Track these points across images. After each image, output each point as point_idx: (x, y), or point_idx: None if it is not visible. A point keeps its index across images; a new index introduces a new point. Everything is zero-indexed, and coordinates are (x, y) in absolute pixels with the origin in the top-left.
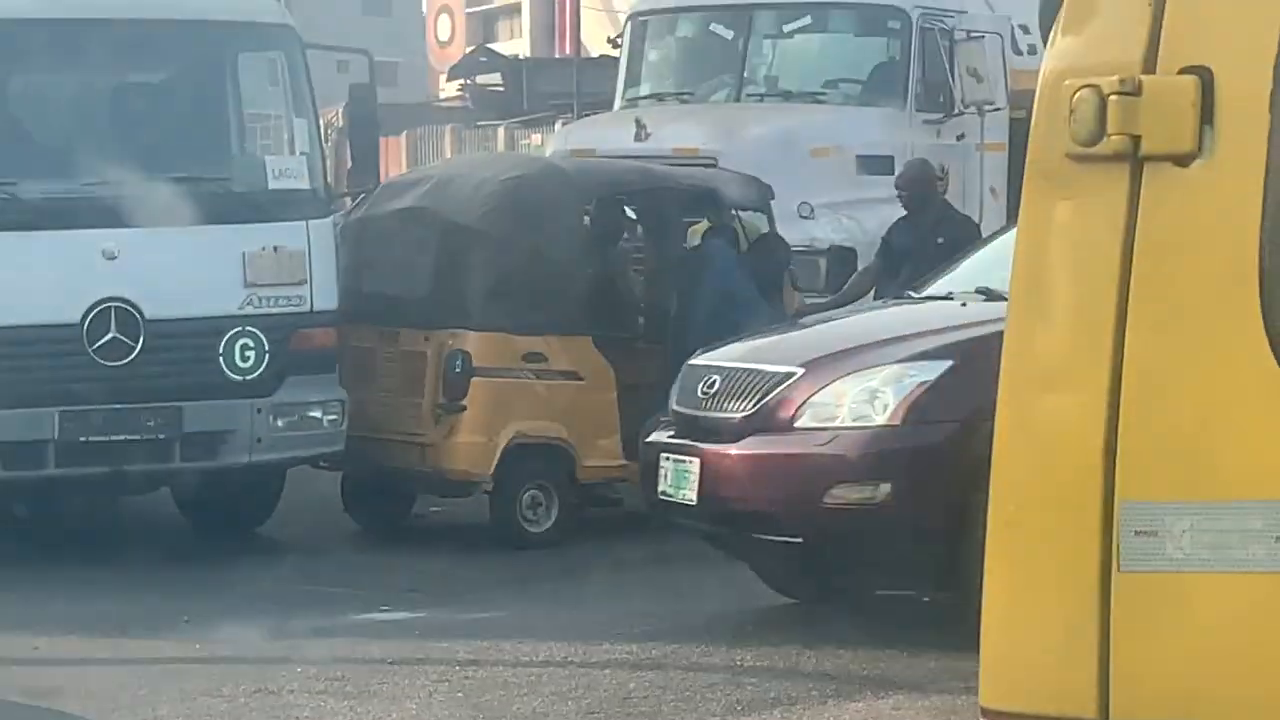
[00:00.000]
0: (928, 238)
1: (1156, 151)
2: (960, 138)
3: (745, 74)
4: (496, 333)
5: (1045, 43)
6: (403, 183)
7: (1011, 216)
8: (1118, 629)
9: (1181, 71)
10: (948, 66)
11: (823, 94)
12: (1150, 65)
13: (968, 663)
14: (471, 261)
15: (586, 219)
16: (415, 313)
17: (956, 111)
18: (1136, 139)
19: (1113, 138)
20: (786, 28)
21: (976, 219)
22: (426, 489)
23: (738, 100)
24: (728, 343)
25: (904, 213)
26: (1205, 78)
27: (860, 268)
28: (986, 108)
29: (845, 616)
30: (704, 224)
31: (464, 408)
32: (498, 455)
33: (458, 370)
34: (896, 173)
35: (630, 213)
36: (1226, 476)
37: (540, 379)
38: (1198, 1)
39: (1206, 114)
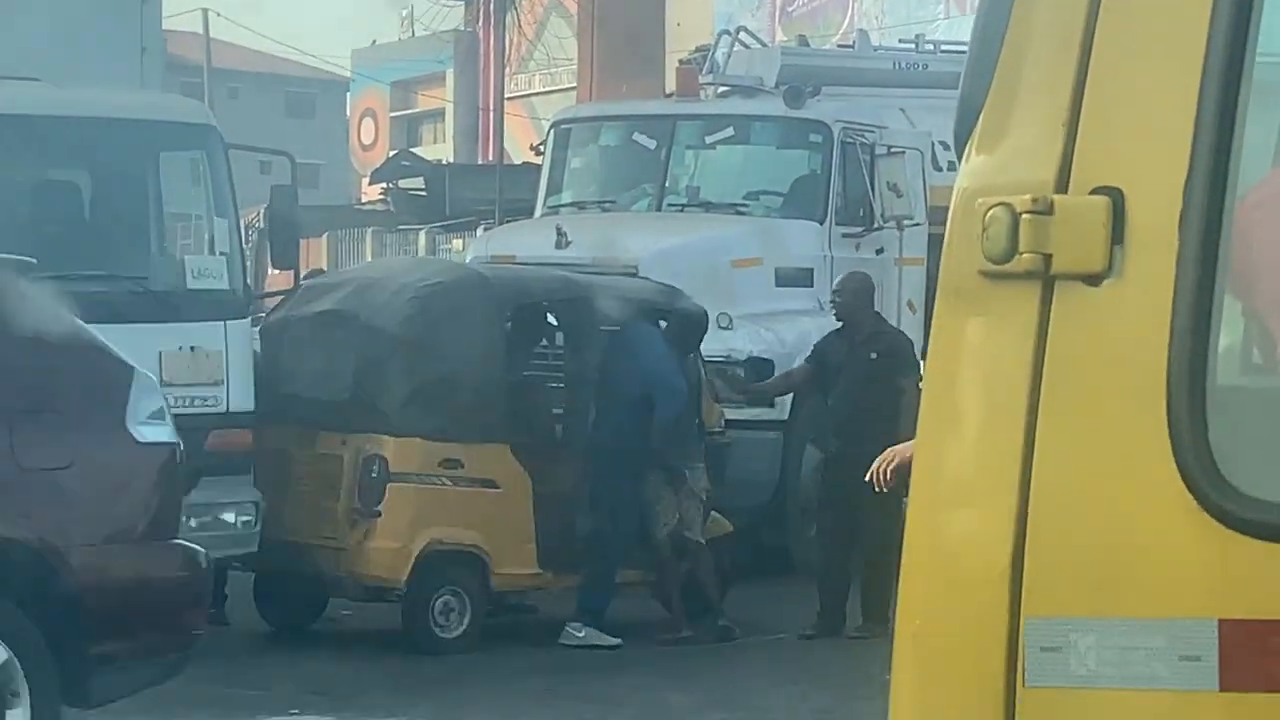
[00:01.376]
0: (860, 352)
1: (1067, 270)
2: (879, 252)
3: (667, 184)
4: (414, 438)
5: (960, 160)
6: (323, 285)
7: (929, 331)
8: None
9: (1093, 192)
10: (868, 181)
11: (744, 205)
12: (1063, 185)
13: None
14: (390, 367)
15: (508, 325)
16: (333, 416)
17: (876, 226)
18: (1048, 257)
19: (1024, 256)
20: (709, 139)
21: None
22: (340, 593)
23: (659, 210)
24: None
25: (835, 325)
26: (1116, 198)
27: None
28: (906, 223)
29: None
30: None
31: (379, 513)
32: (412, 561)
33: (374, 475)
34: (814, 285)
35: (552, 320)
36: (1131, 594)
37: (457, 486)
38: (1110, 123)
39: (1117, 234)
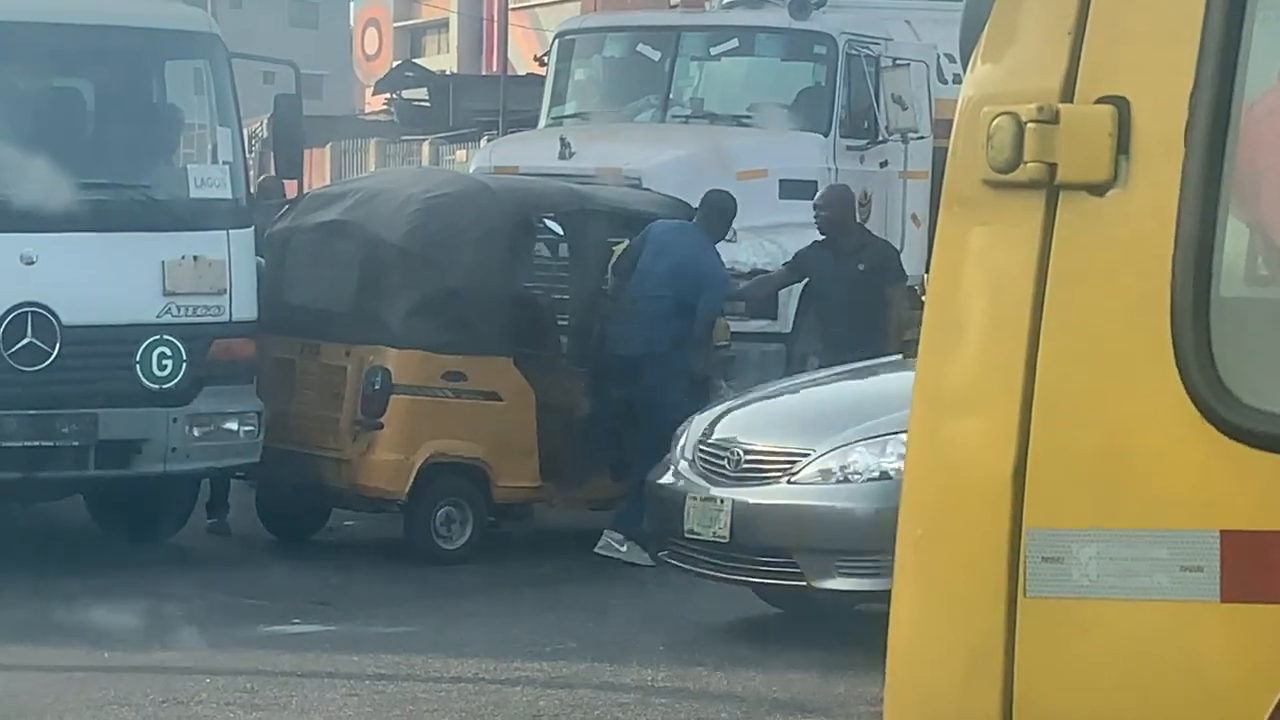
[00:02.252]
0: (848, 263)
1: (1072, 180)
2: (884, 165)
3: (671, 95)
4: (417, 350)
5: (965, 70)
6: (328, 195)
7: (932, 244)
8: (1023, 654)
9: (1099, 101)
10: (873, 93)
11: (748, 117)
12: (1068, 94)
13: (878, 687)
14: (394, 278)
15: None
16: (337, 327)
17: (880, 139)
18: (1053, 167)
19: (1029, 165)
20: (713, 50)
21: (898, 246)
22: (341, 504)
23: (663, 121)
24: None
25: (819, 237)
26: (1122, 108)
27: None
28: (910, 135)
29: (756, 638)
30: (626, 242)
31: (381, 425)
32: (414, 473)
33: (377, 387)
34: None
35: (557, 230)
36: (1133, 505)
37: (459, 398)
38: (1116, 32)
39: (1122, 144)
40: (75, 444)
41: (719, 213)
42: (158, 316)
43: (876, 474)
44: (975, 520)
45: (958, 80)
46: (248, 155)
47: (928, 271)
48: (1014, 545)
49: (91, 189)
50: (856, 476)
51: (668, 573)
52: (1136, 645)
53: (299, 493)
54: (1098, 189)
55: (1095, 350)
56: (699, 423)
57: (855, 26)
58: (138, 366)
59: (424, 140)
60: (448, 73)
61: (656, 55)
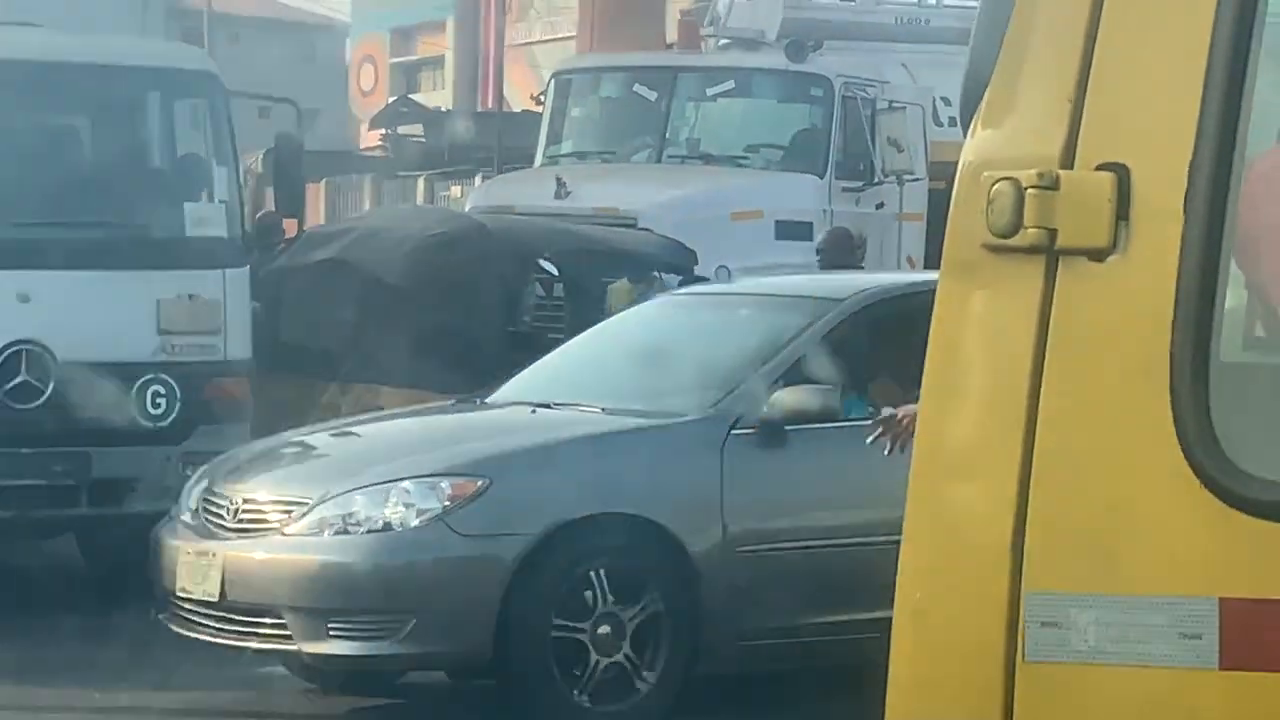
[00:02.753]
0: None
1: (1072, 246)
2: (879, 206)
3: (667, 135)
4: (414, 390)
5: (965, 134)
6: (325, 233)
7: None
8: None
9: (1099, 168)
10: (869, 135)
11: (744, 158)
12: (1068, 160)
13: None
14: (393, 317)
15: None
16: (333, 366)
17: (876, 180)
18: (1053, 232)
19: (1029, 230)
20: (710, 91)
21: None
22: None
23: (659, 161)
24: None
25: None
26: (1122, 175)
27: None
28: (906, 178)
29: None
30: (622, 282)
31: None
32: None
33: None
34: (814, 239)
35: (553, 270)
36: (1132, 571)
37: None
38: (1116, 99)
39: (1122, 210)
40: (68, 483)
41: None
42: (152, 355)
43: (379, 525)
44: (974, 584)
45: (953, 123)
46: (244, 193)
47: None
48: (1013, 610)
49: (88, 227)
50: (356, 528)
51: None
52: (1135, 712)
53: None
54: (1098, 255)
55: (1094, 415)
56: (214, 467)
57: (851, 69)
58: (132, 405)
59: (419, 176)
60: (443, 109)
61: (653, 96)
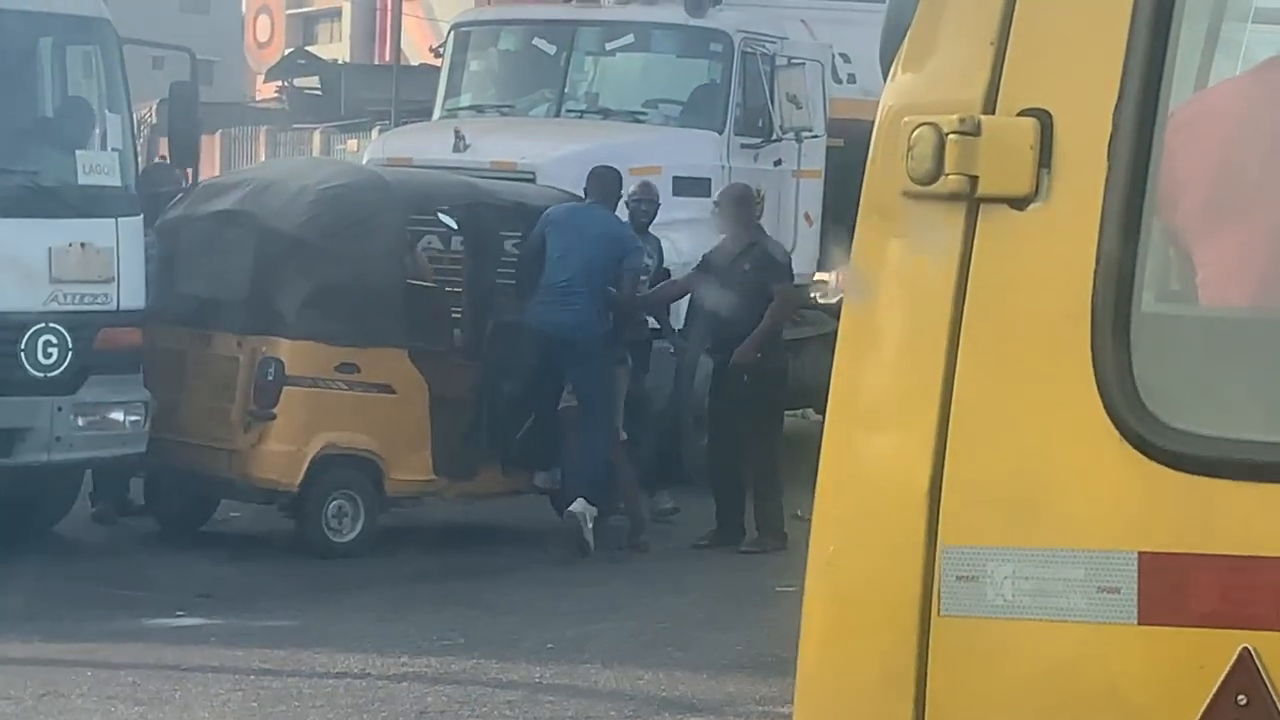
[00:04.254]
0: (736, 263)
1: (993, 193)
2: (777, 163)
3: (566, 90)
4: (310, 341)
5: (885, 78)
6: (221, 184)
7: (824, 244)
8: (935, 674)
9: (1021, 113)
10: (768, 92)
11: (643, 114)
12: (990, 106)
13: (768, 688)
14: (288, 269)
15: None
16: (230, 317)
17: (775, 137)
18: (974, 179)
19: (950, 177)
20: (609, 45)
21: (790, 245)
22: (232, 495)
23: (558, 115)
24: None
25: (713, 234)
26: (1045, 121)
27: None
28: (805, 134)
29: (645, 638)
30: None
31: (274, 416)
32: (306, 465)
33: (269, 378)
34: (711, 195)
35: (451, 224)
36: (1050, 524)
37: (352, 390)
38: (1039, 44)
39: (1045, 157)
40: None
41: (609, 185)
42: (44, 304)
43: None
44: (889, 536)
45: (852, 80)
46: (137, 142)
47: (819, 270)
48: (928, 563)
49: None
50: None
51: (560, 570)
52: (1052, 667)
53: (188, 484)
54: (1019, 203)
55: (1014, 366)
56: None
57: (751, 25)
58: (23, 354)
59: (315, 129)
60: (340, 62)
61: (552, 50)
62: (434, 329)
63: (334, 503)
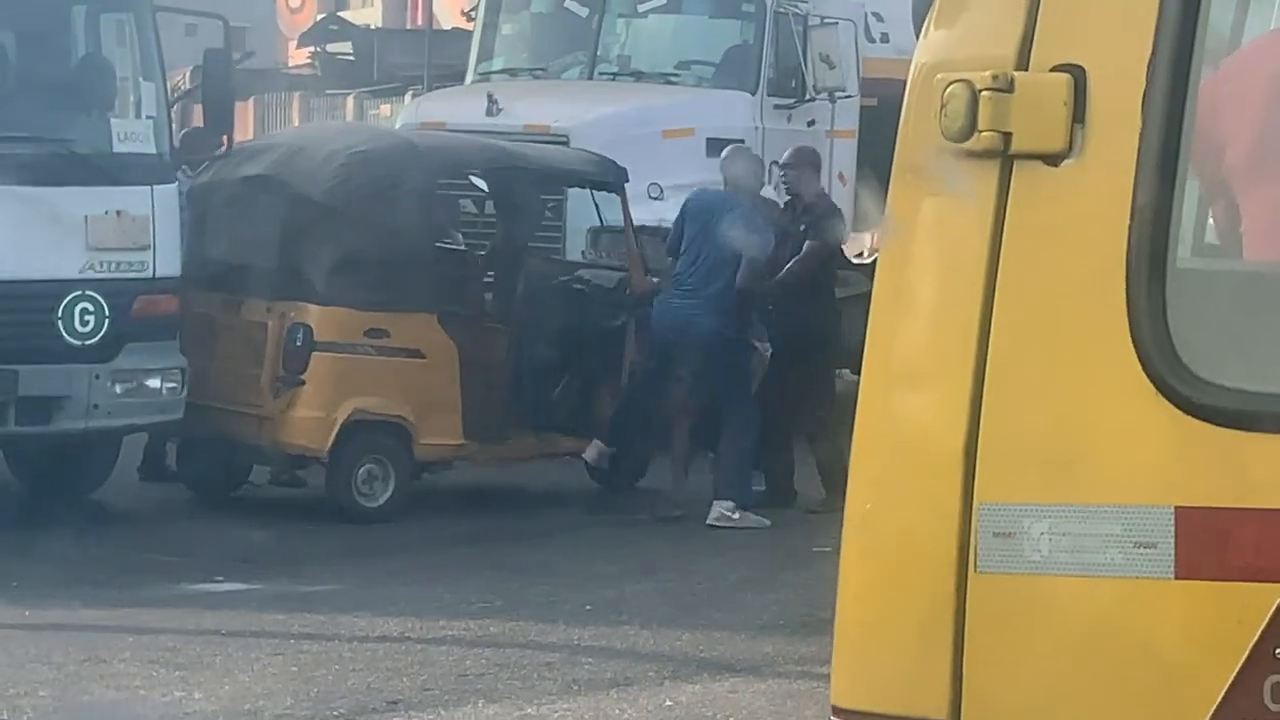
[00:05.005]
0: (795, 224)
1: (1027, 149)
2: (811, 124)
3: (598, 52)
4: (339, 307)
5: (917, 35)
6: (252, 149)
7: (859, 203)
8: (972, 630)
9: (1054, 69)
10: (801, 52)
11: (675, 75)
12: (1023, 62)
13: (806, 647)
14: (317, 234)
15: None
16: (259, 283)
17: (808, 97)
18: (1008, 136)
19: (984, 134)
20: (641, 7)
21: None
22: (262, 460)
23: (590, 78)
24: None
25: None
26: (1078, 76)
27: None
28: (838, 94)
29: (683, 599)
30: None
31: (303, 381)
32: (335, 430)
33: (298, 344)
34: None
35: (483, 186)
36: (1087, 480)
37: (382, 355)
38: (1072, 0)
39: (1078, 113)
40: None
41: (745, 168)
42: (80, 272)
43: None
44: (926, 494)
45: (885, 40)
46: (171, 109)
47: (854, 230)
48: (965, 520)
49: (13, 143)
50: None
51: (597, 532)
52: (1089, 622)
53: (219, 449)
54: (1053, 159)
55: (1049, 323)
56: None
57: None
58: (60, 322)
59: (348, 95)
60: (372, 27)
61: (584, 12)
62: (464, 293)
63: (364, 468)
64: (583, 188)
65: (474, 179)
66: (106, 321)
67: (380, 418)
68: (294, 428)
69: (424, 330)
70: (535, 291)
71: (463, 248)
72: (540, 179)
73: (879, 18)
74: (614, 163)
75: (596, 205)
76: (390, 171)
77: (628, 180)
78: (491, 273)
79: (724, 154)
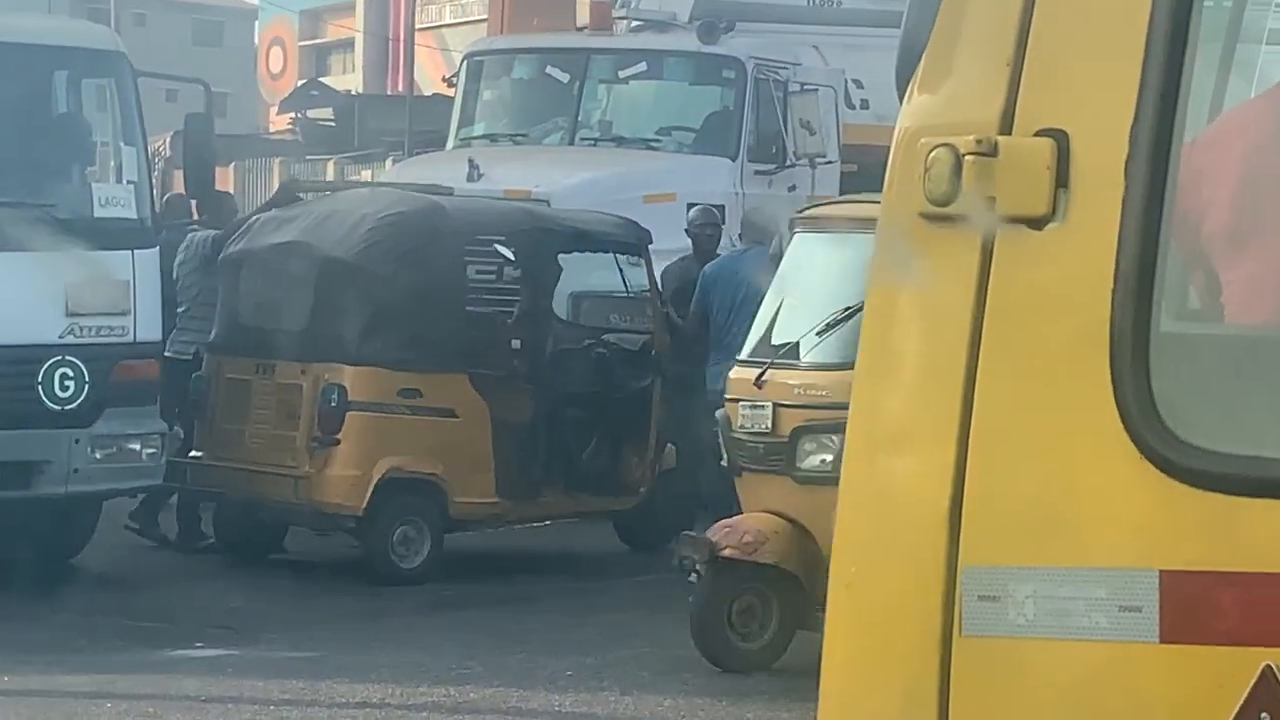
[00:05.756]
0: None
1: (1011, 213)
2: (792, 189)
3: (579, 118)
4: (373, 368)
5: (901, 100)
6: (282, 217)
7: None
8: (957, 694)
9: (1038, 134)
10: (781, 118)
11: (657, 141)
12: (1007, 127)
13: (788, 713)
14: (349, 296)
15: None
16: (292, 346)
17: (789, 163)
18: (991, 200)
19: (967, 198)
20: (622, 73)
21: None
22: (299, 521)
23: (572, 143)
24: None
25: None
26: (1061, 141)
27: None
28: (818, 160)
29: (664, 665)
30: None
31: (338, 441)
32: (371, 489)
33: (333, 404)
34: (726, 222)
35: (509, 255)
36: (1071, 543)
37: (415, 414)
38: (1055, 65)
39: (1061, 177)
40: None
41: (762, 225)
42: (60, 337)
43: None
44: (910, 558)
45: (865, 106)
46: (152, 174)
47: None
48: (949, 583)
49: None
50: None
51: (579, 598)
52: (1074, 686)
53: (255, 511)
54: (1036, 223)
55: (1034, 386)
56: None
57: (763, 51)
58: (39, 387)
59: (329, 160)
60: (353, 92)
61: (565, 78)
62: (494, 353)
63: (400, 529)
64: (606, 251)
65: (500, 248)
66: (86, 386)
67: (414, 475)
68: (330, 486)
69: (456, 390)
70: (563, 354)
71: (491, 309)
72: (565, 242)
73: (859, 84)
74: (637, 225)
75: (620, 269)
76: (420, 234)
77: (651, 242)
78: (519, 337)
79: (695, 213)
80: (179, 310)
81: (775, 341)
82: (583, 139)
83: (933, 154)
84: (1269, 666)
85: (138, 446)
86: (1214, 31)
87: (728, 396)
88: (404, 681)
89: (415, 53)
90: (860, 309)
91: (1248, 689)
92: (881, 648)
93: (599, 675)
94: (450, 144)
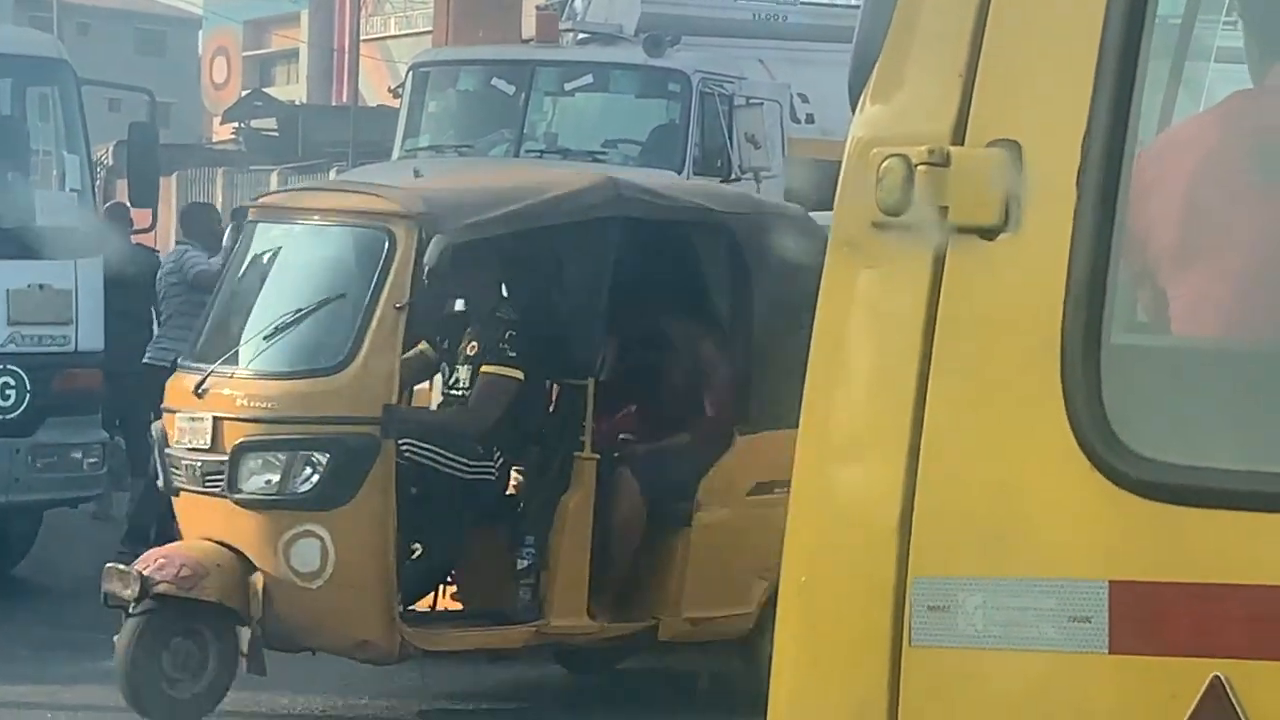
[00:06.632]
0: None
1: (963, 223)
2: None
3: (525, 129)
4: None
5: (854, 110)
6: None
7: None
8: (907, 705)
9: (990, 144)
10: (726, 131)
11: (602, 153)
12: (959, 137)
13: None
14: None
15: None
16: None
17: (734, 177)
18: (944, 210)
19: (919, 208)
20: (568, 86)
21: None
22: None
23: (517, 155)
24: None
25: None
26: (1014, 151)
27: None
28: (763, 174)
29: (603, 680)
30: None
31: None
32: None
33: None
34: None
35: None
36: (1021, 554)
37: None
38: (1008, 75)
39: (1013, 188)
40: None
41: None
42: (2, 346)
43: None
44: (860, 567)
45: (810, 120)
46: (95, 183)
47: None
48: (899, 593)
49: None
50: None
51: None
52: (1024, 697)
53: None
54: (988, 233)
55: (985, 397)
56: None
57: (709, 65)
58: None
59: (272, 170)
60: (297, 103)
61: (511, 89)
62: None
63: None
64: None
65: None
66: (28, 395)
67: None
68: None
69: None
70: None
71: None
72: None
73: (804, 99)
74: None
75: None
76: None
77: None
78: None
79: None
80: (160, 318)
81: (219, 345)
82: (528, 151)
83: (885, 164)
84: (1218, 677)
85: (79, 456)
86: (1164, 48)
87: (164, 406)
88: (345, 693)
89: (360, 64)
90: (314, 309)
91: (1196, 700)
92: (831, 656)
93: (538, 688)
94: (395, 155)
